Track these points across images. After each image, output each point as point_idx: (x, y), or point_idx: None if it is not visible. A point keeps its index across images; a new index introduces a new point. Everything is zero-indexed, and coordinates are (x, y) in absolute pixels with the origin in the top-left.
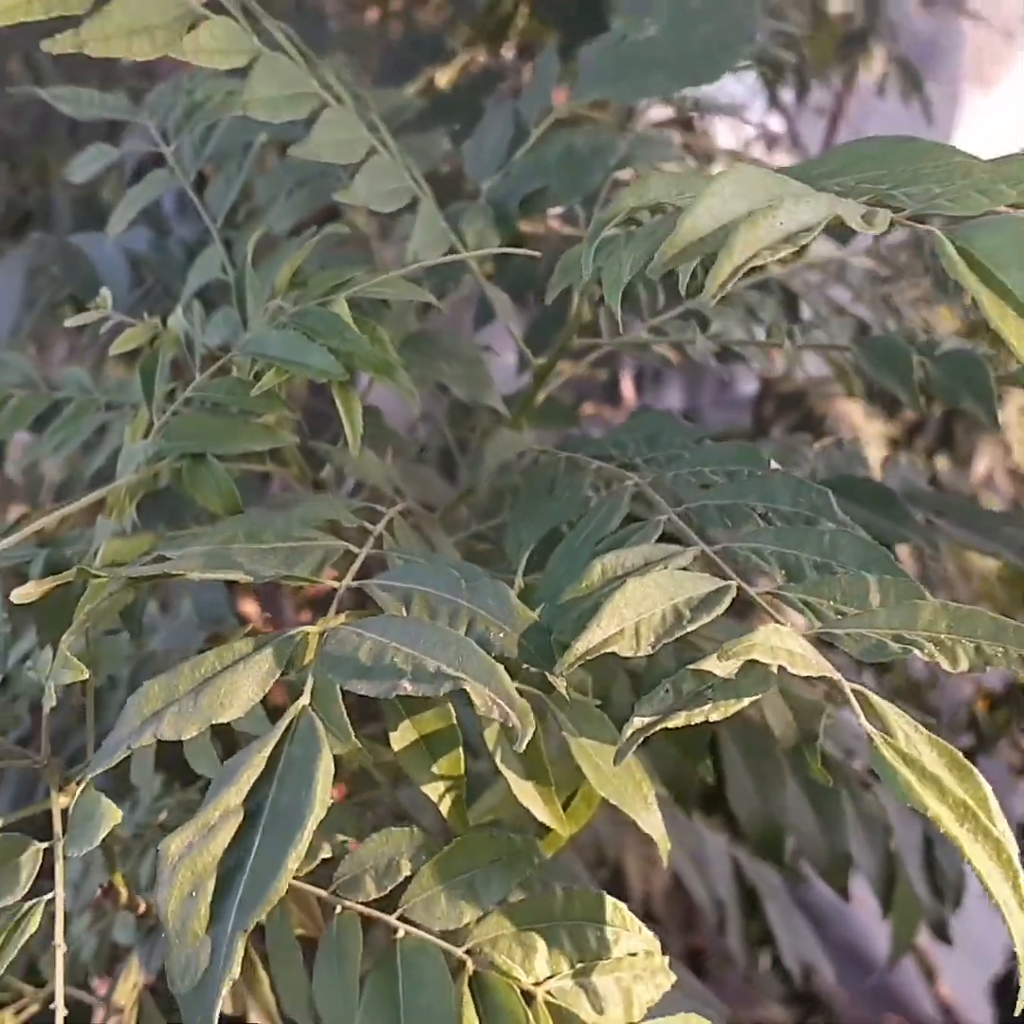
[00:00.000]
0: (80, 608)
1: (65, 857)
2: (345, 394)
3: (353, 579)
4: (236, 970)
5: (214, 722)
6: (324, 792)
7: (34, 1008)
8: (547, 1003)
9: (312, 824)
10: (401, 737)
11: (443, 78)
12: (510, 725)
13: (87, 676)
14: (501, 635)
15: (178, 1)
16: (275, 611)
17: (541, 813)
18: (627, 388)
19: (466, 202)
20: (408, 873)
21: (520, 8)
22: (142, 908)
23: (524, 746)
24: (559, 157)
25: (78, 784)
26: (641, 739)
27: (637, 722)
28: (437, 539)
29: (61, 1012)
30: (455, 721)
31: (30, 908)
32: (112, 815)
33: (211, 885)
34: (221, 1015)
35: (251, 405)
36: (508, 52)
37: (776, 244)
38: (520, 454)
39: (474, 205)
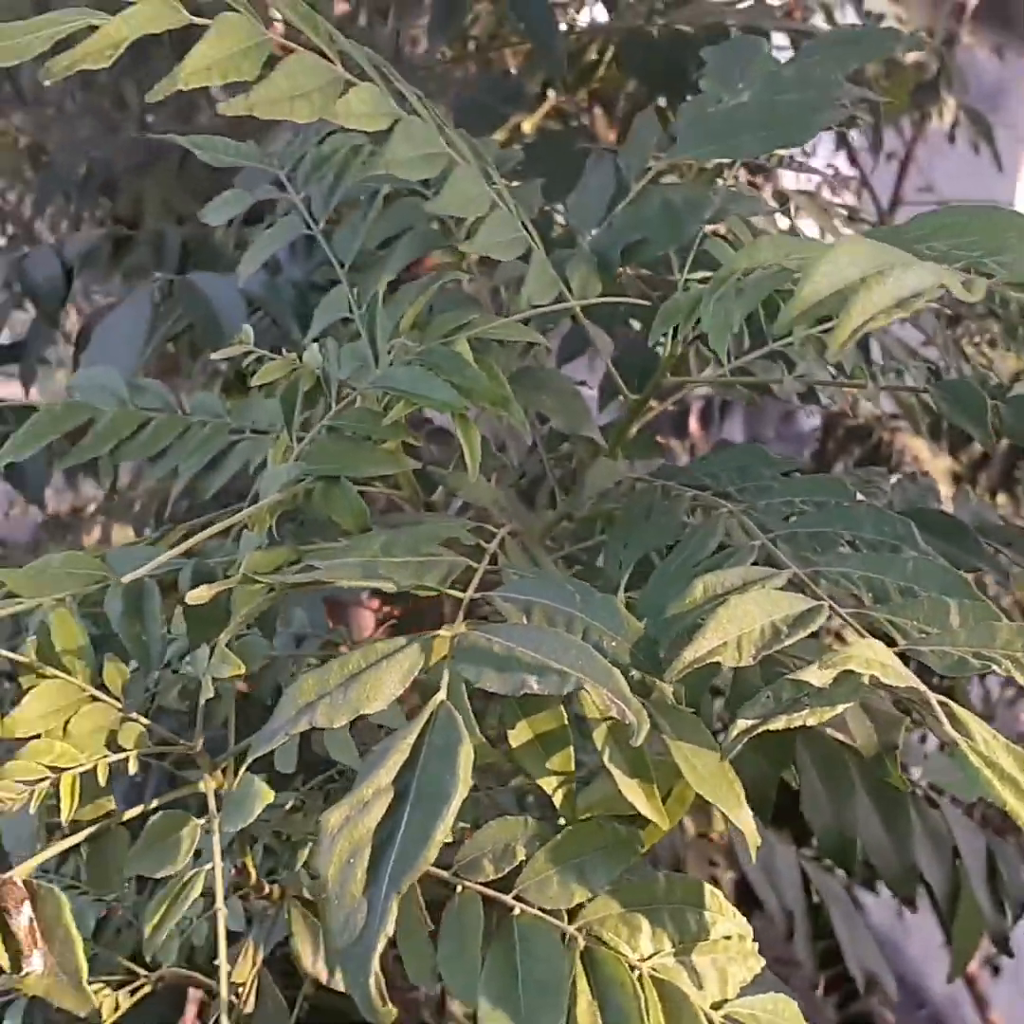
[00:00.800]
0: (237, 610)
1: (220, 832)
2: (466, 425)
3: (475, 591)
4: (390, 928)
5: (361, 713)
6: (466, 775)
7: (146, 988)
8: (651, 977)
9: (457, 803)
10: (518, 735)
11: (528, 124)
12: (627, 722)
13: (243, 670)
14: (613, 644)
15: (328, 68)
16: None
17: (643, 807)
18: (693, 422)
19: (562, 249)
20: (523, 858)
21: (603, 59)
22: (266, 891)
23: (640, 740)
24: (658, 210)
25: (223, 770)
26: (745, 739)
27: (742, 724)
28: (540, 558)
29: (225, 972)
30: (566, 722)
31: (192, 876)
32: (265, 796)
33: (367, 853)
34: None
35: (381, 433)
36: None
37: (889, 308)
38: (617, 482)
39: (578, 253)
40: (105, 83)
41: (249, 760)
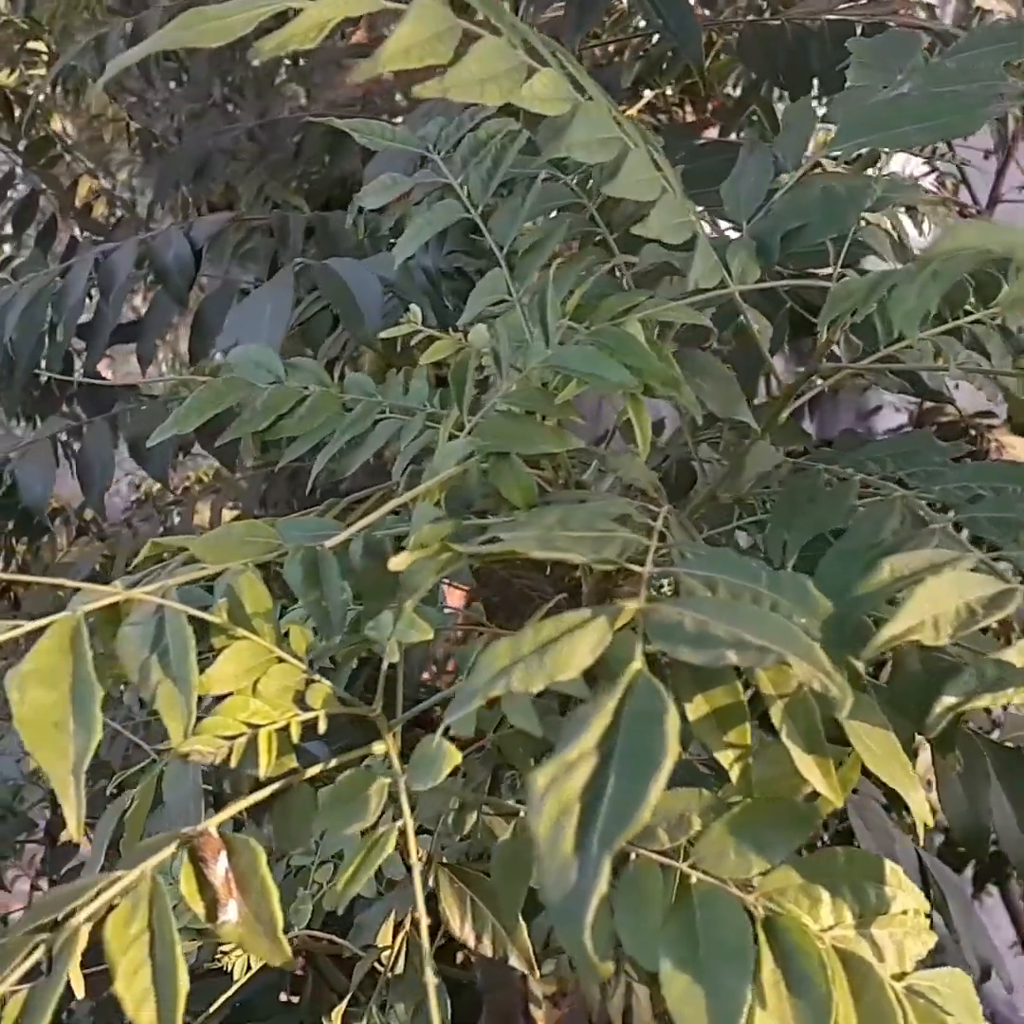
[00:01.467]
0: (410, 580)
1: (407, 791)
2: (637, 405)
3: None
4: (603, 886)
5: (555, 680)
6: (674, 742)
7: None
8: (834, 948)
9: (667, 768)
10: (695, 709)
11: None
12: (831, 695)
13: (430, 635)
14: (802, 621)
15: (514, 53)
16: None
17: (819, 783)
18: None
19: (722, 238)
20: (697, 828)
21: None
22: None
23: (845, 713)
24: (818, 198)
25: (393, 733)
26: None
27: (947, 701)
28: (698, 539)
29: (424, 920)
30: (742, 697)
31: (385, 831)
32: (453, 758)
33: (576, 812)
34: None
35: (552, 412)
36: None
37: None
38: (777, 466)
39: (738, 240)
40: (203, 74)
41: (447, 722)
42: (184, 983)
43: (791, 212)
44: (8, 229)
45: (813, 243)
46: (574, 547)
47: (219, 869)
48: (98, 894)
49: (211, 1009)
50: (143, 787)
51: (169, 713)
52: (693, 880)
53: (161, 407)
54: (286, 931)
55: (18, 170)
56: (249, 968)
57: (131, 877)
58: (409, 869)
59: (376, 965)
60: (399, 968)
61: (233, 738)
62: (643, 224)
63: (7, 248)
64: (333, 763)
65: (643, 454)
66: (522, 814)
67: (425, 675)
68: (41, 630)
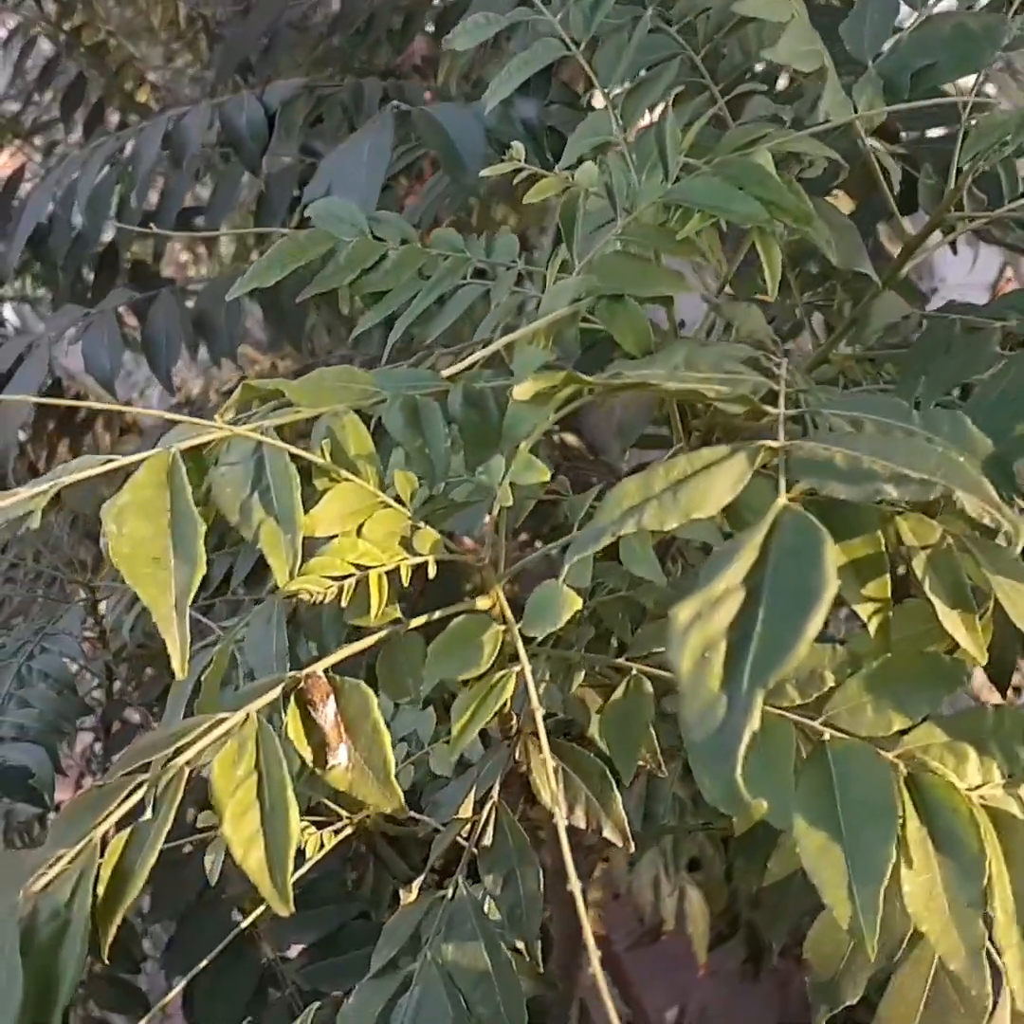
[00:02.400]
0: (544, 416)
1: (524, 638)
2: (766, 240)
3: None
4: (756, 722)
5: (691, 517)
6: (834, 573)
7: (348, 830)
8: (983, 806)
9: (827, 602)
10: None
11: None
12: (1003, 530)
13: (548, 476)
14: (961, 459)
15: None
16: None
17: (963, 638)
18: None
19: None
20: (832, 684)
21: None
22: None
23: (1020, 548)
24: (950, 35)
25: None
26: None
27: None
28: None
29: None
30: (883, 547)
31: (501, 677)
32: (572, 602)
33: (722, 648)
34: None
35: (672, 250)
36: None
37: None
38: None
39: (865, 76)
40: None
41: (569, 562)
42: (296, 825)
43: (920, 50)
44: (54, 112)
45: (942, 81)
46: (705, 384)
47: (328, 712)
48: (200, 736)
49: None
50: (220, 649)
51: (273, 552)
52: (826, 737)
53: (228, 280)
54: (359, 809)
55: (62, 55)
56: (322, 846)
57: (236, 718)
58: (504, 736)
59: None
60: (487, 840)
61: (341, 579)
62: (773, 50)
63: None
64: (437, 615)
65: (772, 291)
66: (635, 673)
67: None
68: (135, 466)
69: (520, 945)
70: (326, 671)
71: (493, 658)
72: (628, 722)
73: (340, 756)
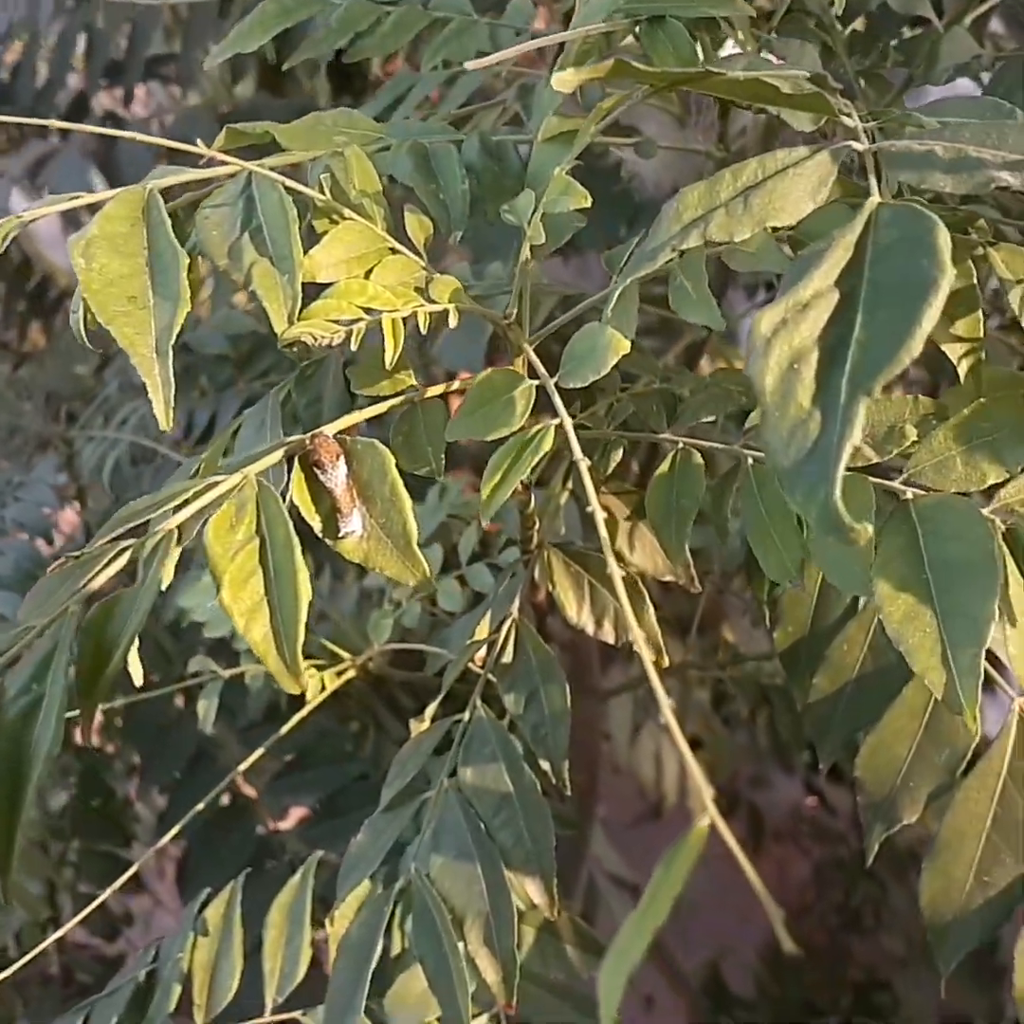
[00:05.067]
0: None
1: (559, 389)
2: None
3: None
4: (857, 435)
5: (766, 225)
6: (948, 261)
7: (351, 672)
8: None
9: (944, 290)
10: None
11: None
12: None
13: (588, 201)
14: None
15: None
16: None
17: None
18: None
19: None
20: (913, 439)
21: None
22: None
23: None
24: None
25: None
26: None
27: None
28: None
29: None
30: (975, 282)
31: (537, 432)
32: (619, 347)
33: (814, 358)
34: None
35: None
36: None
37: None
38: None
39: None
40: None
41: (621, 287)
42: (306, 591)
43: None
44: None
45: None
46: (780, 81)
47: (338, 476)
48: (192, 499)
49: (281, 731)
50: (214, 446)
51: (268, 295)
52: (909, 495)
53: (206, 110)
54: (360, 652)
55: None
56: (323, 688)
57: (232, 481)
58: (525, 551)
59: (470, 666)
60: (508, 656)
61: (351, 323)
62: None
63: None
64: (456, 385)
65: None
66: (681, 446)
67: None
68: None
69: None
70: (336, 435)
71: (525, 416)
72: (678, 496)
73: (353, 523)
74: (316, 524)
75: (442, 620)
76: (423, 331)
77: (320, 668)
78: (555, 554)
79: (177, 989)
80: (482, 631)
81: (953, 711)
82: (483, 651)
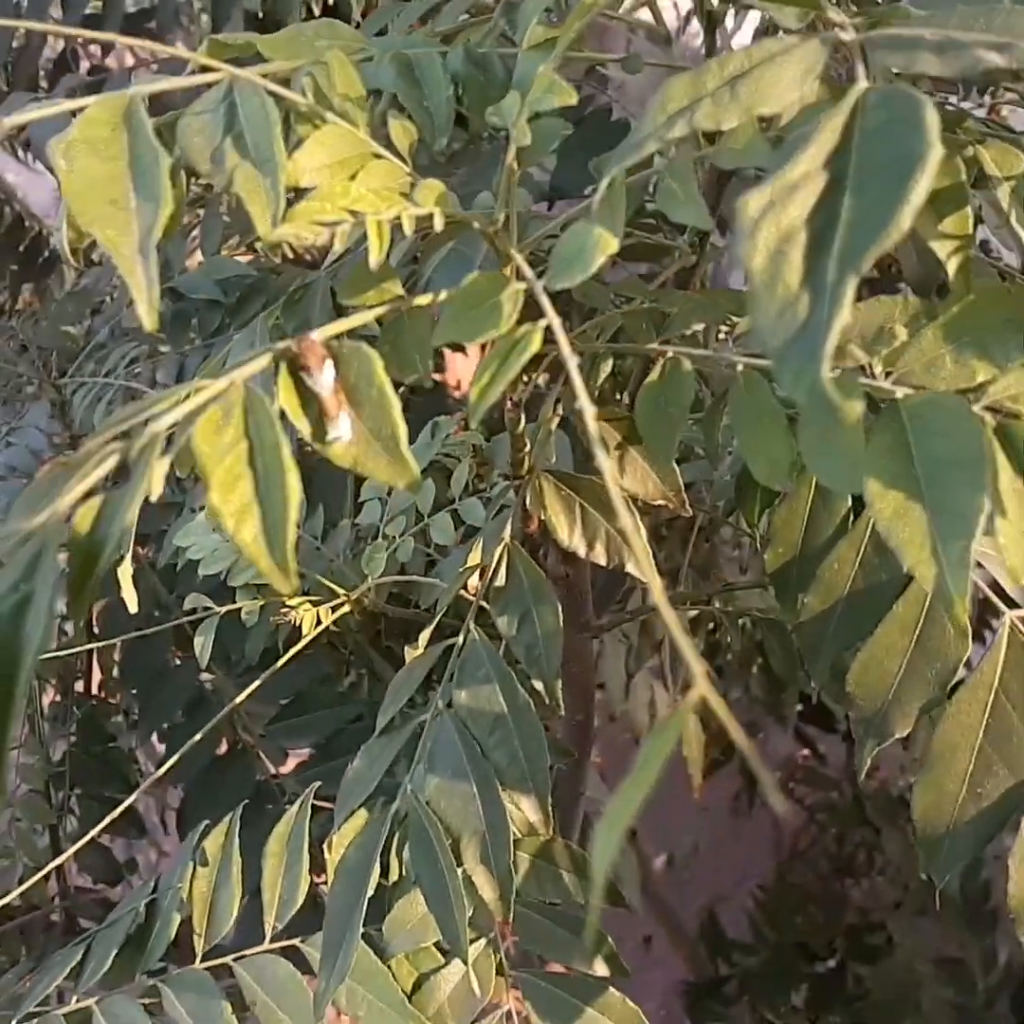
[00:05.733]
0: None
1: (547, 291)
2: None
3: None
4: (846, 313)
5: (754, 113)
6: (937, 138)
7: (345, 608)
8: None
9: (933, 166)
10: None
11: None
12: None
13: (574, 98)
14: None
15: None
16: None
17: None
18: None
19: None
20: (903, 338)
21: None
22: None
23: None
24: None
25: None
26: None
27: None
28: None
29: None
30: (964, 179)
31: (525, 333)
32: (607, 246)
33: (803, 238)
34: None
35: None
36: None
37: None
38: None
39: None
40: None
41: (608, 177)
42: (296, 492)
43: None
44: None
45: None
46: None
47: (325, 379)
48: (179, 403)
49: (277, 664)
50: (209, 367)
51: (252, 197)
52: (899, 395)
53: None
54: (355, 587)
55: None
56: (318, 622)
57: (218, 385)
58: (516, 476)
59: (462, 593)
60: (500, 580)
61: (335, 224)
62: None
63: None
64: (443, 294)
65: None
66: (671, 355)
67: None
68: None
69: (539, 688)
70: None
71: (513, 319)
72: (660, 407)
73: (342, 428)
74: (304, 428)
75: (436, 560)
76: (407, 233)
77: (315, 604)
78: (546, 479)
79: (177, 918)
80: (475, 558)
81: (944, 605)
82: (476, 580)
